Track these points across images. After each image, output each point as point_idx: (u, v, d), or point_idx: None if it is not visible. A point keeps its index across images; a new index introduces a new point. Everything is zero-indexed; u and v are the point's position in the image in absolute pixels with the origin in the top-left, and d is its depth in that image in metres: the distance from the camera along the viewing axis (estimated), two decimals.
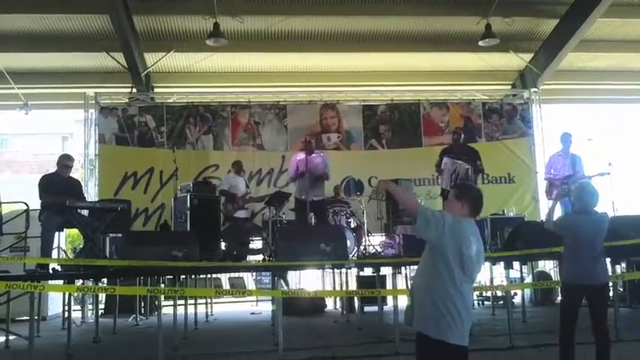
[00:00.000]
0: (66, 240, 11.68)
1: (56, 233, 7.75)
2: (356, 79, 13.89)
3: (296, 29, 12.42)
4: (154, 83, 13.62)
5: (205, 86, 13.64)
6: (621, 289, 9.24)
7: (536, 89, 13.71)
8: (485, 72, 14.02)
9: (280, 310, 6.93)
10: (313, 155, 9.62)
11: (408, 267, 10.16)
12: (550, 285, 10.30)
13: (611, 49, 13.35)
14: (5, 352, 7.14)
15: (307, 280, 12.87)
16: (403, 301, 9.85)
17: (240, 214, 9.98)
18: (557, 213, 6.39)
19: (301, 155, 9.65)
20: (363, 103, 13.48)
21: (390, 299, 8.74)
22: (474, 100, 13.75)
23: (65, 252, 9.67)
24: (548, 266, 11.59)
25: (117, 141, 12.73)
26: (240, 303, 12.58)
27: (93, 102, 12.80)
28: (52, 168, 8.15)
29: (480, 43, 12.09)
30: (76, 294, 9.00)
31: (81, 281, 8.05)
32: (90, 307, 10.65)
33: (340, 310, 10.80)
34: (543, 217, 11.74)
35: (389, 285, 9.46)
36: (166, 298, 8.40)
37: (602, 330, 5.11)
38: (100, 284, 8.64)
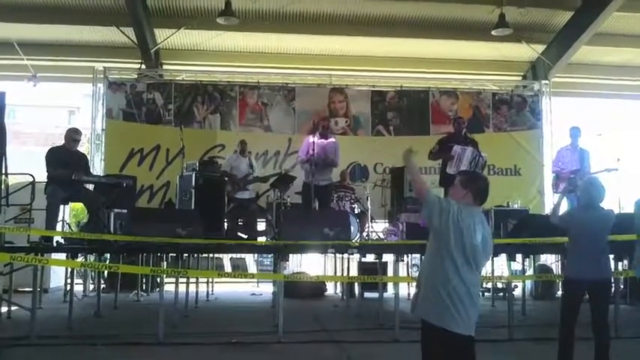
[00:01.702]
0: (70, 214, 11.72)
1: (61, 206, 7.78)
2: (366, 63, 13.81)
3: (308, 11, 12.33)
4: (164, 60, 13.56)
5: (214, 65, 13.58)
6: (622, 286, 9.22)
7: (547, 81, 13.61)
8: (496, 62, 13.92)
9: (282, 293, 6.95)
10: (326, 140, 9.53)
11: (410, 255, 10.21)
12: (552, 278, 10.29)
13: (625, 44, 13.20)
14: (7, 323, 7.21)
15: (309, 264, 12.90)
16: (404, 289, 9.90)
17: (243, 194, 9.93)
18: (563, 207, 6.36)
19: (315, 138, 9.49)
20: (372, 89, 13.42)
21: (390, 286, 8.75)
22: (483, 90, 13.66)
23: (69, 225, 9.72)
24: (550, 260, 11.58)
25: (124, 117, 12.72)
26: (241, 283, 12.62)
27: (101, 76, 12.77)
28: (59, 141, 8.15)
29: (493, 33, 11.97)
30: (79, 268, 9.04)
31: (84, 256, 8.10)
32: (92, 281, 10.72)
33: (340, 294, 10.84)
34: (548, 210, 11.78)
35: (390, 272, 9.47)
36: (168, 276, 8.43)
37: (603, 326, 5.10)
38: (103, 260, 8.71)
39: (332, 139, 9.72)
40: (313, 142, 9.05)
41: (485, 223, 3.65)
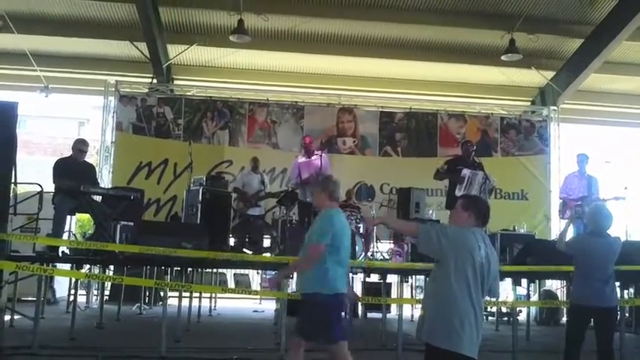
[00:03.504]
0: (76, 225, 11.76)
1: (68, 217, 7.81)
2: (375, 84, 13.89)
3: (320, 31, 12.45)
4: (175, 75, 13.69)
5: (225, 81, 13.70)
6: (627, 315, 9.15)
7: (555, 107, 13.64)
8: (505, 87, 13.98)
9: (285, 311, 6.93)
10: (313, 158, 9.63)
11: (414, 276, 10.16)
12: (557, 304, 10.22)
13: (635, 73, 13.26)
14: (10, 332, 7.20)
15: None
16: (407, 310, 9.84)
17: (254, 211, 9.96)
18: (570, 234, 6.35)
19: (302, 158, 9.66)
20: (380, 109, 13.46)
21: (394, 307, 8.70)
22: (492, 114, 13.70)
23: (75, 236, 9.74)
24: (555, 286, 11.50)
25: (134, 130, 12.81)
26: (244, 299, 12.59)
27: (113, 89, 12.88)
28: (67, 152, 8.20)
29: (503, 58, 12.05)
30: (83, 279, 9.05)
31: (89, 267, 8.10)
32: (95, 292, 10.72)
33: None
34: (554, 236, 11.74)
35: (394, 293, 9.43)
36: (172, 290, 8.43)
37: (608, 353, 5.08)
38: (108, 271, 8.72)
39: (317, 155, 9.76)
40: (301, 162, 9.21)
41: (488, 242, 3.66)
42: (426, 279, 10.61)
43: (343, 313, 4.82)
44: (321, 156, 9.72)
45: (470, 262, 3.47)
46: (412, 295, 10.93)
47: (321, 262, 4.39)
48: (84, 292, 10.75)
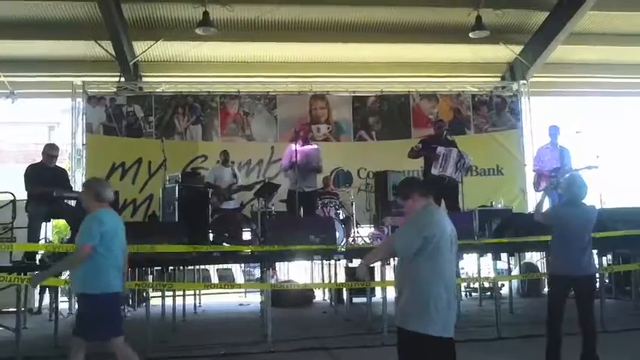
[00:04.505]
0: (53, 231, 11.60)
1: (43, 223, 7.68)
2: (346, 69, 13.84)
3: (286, 19, 12.34)
4: (143, 72, 13.50)
5: (194, 76, 13.53)
6: (607, 281, 9.32)
7: (525, 82, 13.75)
8: (475, 64, 14.04)
9: (269, 302, 6.93)
10: (308, 147, 9.57)
11: (396, 259, 10.22)
12: (537, 276, 10.37)
13: (601, 43, 13.38)
14: None
15: (296, 271, 12.88)
16: (392, 293, 9.88)
17: (228, 204, 9.92)
18: (546, 205, 6.42)
19: (297, 145, 9.51)
20: (352, 94, 13.46)
21: (378, 291, 8.75)
22: (463, 92, 13.78)
23: (52, 242, 9.60)
24: (535, 258, 11.67)
25: (105, 131, 12.64)
26: (229, 294, 12.56)
27: (80, 91, 12.68)
28: (39, 158, 8.05)
29: (471, 35, 12.08)
30: (63, 285, 8.93)
31: (69, 274, 7.99)
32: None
33: (329, 301, 10.83)
34: (531, 209, 11.88)
35: (377, 277, 9.48)
36: (154, 290, 8.37)
37: (589, 321, 5.16)
38: None
39: (314, 145, 9.75)
40: (295, 149, 9.08)
41: (447, 217, 3.65)
42: None
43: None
44: (314, 145, 9.65)
45: (443, 242, 3.46)
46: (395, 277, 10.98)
47: (92, 262, 4.43)
48: (66, 298, 10.62)
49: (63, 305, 9.60)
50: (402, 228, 3.69)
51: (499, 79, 14.51)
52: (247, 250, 8.73)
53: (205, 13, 11.15)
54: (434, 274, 3.43)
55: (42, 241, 7.92)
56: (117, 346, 4.52)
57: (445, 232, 3.51)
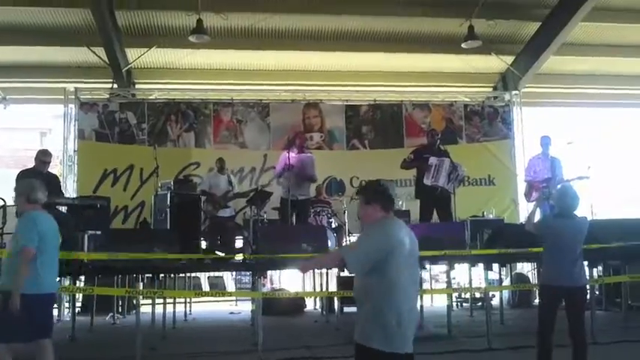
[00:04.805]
0: None
1: None
2: (339, 78, 13.88)
3: (280, 27, 12.37)
4: (136, 79, 13.48)
5: (187, 83, 13.53)
6: (597, 293, 9.35)
7: (517, 92, 13.82)
8: (467, 74, 14.09)
9: (260, 311, 6.90)
10: (303, 155, 9.59)
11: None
12: (528, 287, 10.39)
13: (592, 54, 13.48)
14: None
15: (288, 280, 12.85)
16: None
17: (224, 212, 9.89)
18: (537, 216, 6.44)
19: (292, 153, 9.53)
20: (345, 103, 13.49)
21: None
22: (455, 101, 13.83)
23: None
24: (527, 269, 11.69)
25: (97, 137, 12.60)
26: (219, 302, 12.50)
27: (73, 97, 12.64)
28: (30, 163, 8.03)
29: (463, 45, 12.14)
30: None
31: (58, 279, 7.93)
32: (66, 304, 10.52)
33: (320, 310, 10.79)
34: (523, 219, 11.91)
35: None
36: (145, 297, 8.31)
37: (579, 332, 5.16)
38: (78, 282, 8.56)
39: (308, 154, 9.77)
40: (288, 156, 9.10)
41: (407, 229, 3.47)
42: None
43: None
44: (308, 154, 9.67)
45: (402, 256, 3.31)
46: None
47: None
48: (55, 305, 10.52)
49: None
50: (358, 242, 3.51)
51: (491, 89, 14.59)
52: (239, 258, 8.73)
53: (199, 21, 11.15)
54: (394, 289, 3.28)
55: None
56: (45, 348, 4.52)
57: (403, 245, 3.34)
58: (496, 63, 13.72)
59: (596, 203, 9.39)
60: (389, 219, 3.46)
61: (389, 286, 3.28)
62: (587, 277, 6.36)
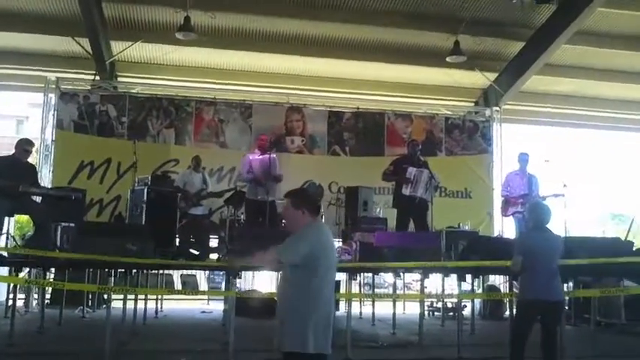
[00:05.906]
0: (15, 226, 11.32)
1: (6, 218, 7.50)
2: (324, 84, 13.91)
3: (267, 30, 12.36)
4: (119, 72, 13.34)
5: (171, 79, 13.41)
6: (567, 308, 9.47)
7: (498, 108, 14.00)
8: (450, 88, 14.24)
9: (233, 311, 6.87)
10: (265, 156, 9.66)
11: (362, 274, 10.25)
12: (500, 297, 10.52)
13: (574, 75, 13.71)
14: None
15: (261, 282, 12.79)
16: (356, 308, 9.88)
17: (197, 210, 9.88)
18: (511, 229, 6.52)
19: (254, 155, 9.71)
20: (329, 109, 13.52)
21: (342, 305, 8.74)
22: (437, 114, 13.96)
23: (14, 238, 9.37)
24: (499, 281, 11.81)
25: (75, 128, 12.43)
26: (191, 300, 12.40)
27: (54, 86, 12.45)
28: (5, 150, 7.90)
29: (448, 59, 12.29)
30: (23, 284, 8.72)
31: (28, 271, 7.82)
32: (35, 296, 10.35)
33: None
34: (497, 232, 12.07)
35: (342, 291, 9.49)
36: (116, 293, 8.22)
37: (552, 345, 5.24)
38: (49, 274, 8.44)
39: (272, 155, 9.83)
40: (253, 159, 9.30)
41: (328, 233, 3.70)
42: (374, 276, 10.76)
43: None
44: (270, 155, 9.74)
45: (325, 262, 3.48)
46: (360, 292, 11.03)
47: None
48: (23, 295, 10.36)
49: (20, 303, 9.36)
50: (290, 240, 3.63)
51: (473, 104, 14.75)
52: (213, 257, 8.68)
53: (187, 18, 11.10)
54: (316, 292, 3.44)
55: (3, 237, 7.75)
56: None
57: (327, 250, 3.55)
58: (479, 79, 13.88)
59: (570, 220, 9.54)
60: (317, 223, 3.70)
61: (313, 288, 3.43)
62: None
